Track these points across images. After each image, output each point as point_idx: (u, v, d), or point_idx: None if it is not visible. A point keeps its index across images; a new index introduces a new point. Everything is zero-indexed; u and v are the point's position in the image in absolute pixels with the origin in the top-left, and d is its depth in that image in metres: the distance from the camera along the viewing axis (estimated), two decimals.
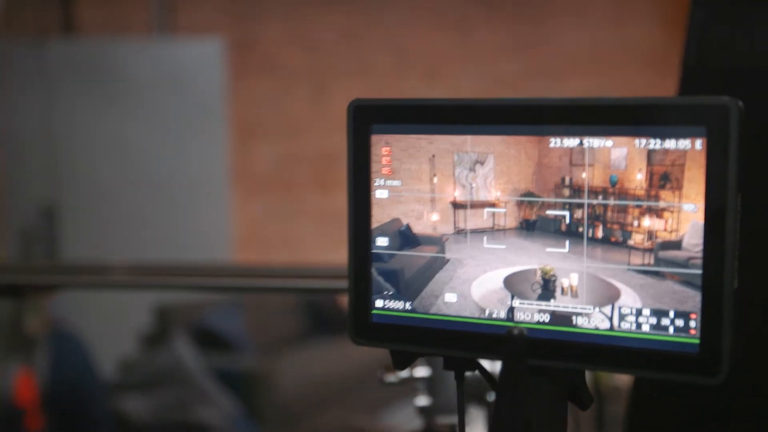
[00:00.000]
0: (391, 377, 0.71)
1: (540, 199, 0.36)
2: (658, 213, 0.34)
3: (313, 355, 3.06)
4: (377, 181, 0.40)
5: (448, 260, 0.38)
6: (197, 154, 3.32)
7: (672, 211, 0.33)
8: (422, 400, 0.76)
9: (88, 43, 3.47)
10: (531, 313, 0.36)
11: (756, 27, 0.67)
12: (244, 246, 3.70)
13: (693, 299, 0.33)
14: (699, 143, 0.32)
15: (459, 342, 0.38)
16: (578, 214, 0.35)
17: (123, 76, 3.23)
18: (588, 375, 0.40)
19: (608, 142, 0.34)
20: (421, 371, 0.73)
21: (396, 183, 0.39)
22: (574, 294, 0.35)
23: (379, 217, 0.40)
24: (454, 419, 0.64)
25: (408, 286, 0.39)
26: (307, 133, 4.02)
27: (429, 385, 0.76)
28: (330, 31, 4.00)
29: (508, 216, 0.37)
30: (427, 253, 0.39)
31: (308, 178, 4.05)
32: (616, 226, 0.35)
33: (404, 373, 0.71)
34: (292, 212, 4.00)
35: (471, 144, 0.38)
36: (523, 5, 4.16)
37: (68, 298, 2.57)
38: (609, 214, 0.35)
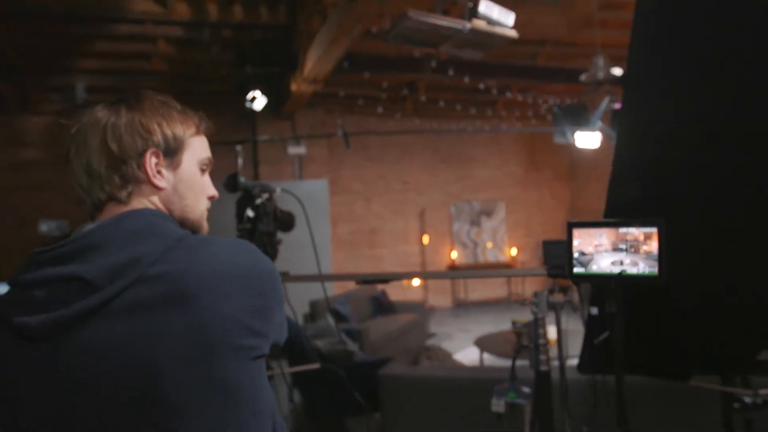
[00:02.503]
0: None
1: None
2: (646, 244, 1.30)
3: (379, 321, 6.19)
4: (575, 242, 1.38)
5: None
6: (319, 229, 7.81)
7: (649, 243, 1.28)
8: None
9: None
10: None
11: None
12: (336, 269, 8.19)
13: (656, 262, 1.28)
14: (656, 228, 1.30)
15: None
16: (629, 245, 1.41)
17: (284, 199, 7.79)
18: None
19: (637, 231, 1.36)
20: None
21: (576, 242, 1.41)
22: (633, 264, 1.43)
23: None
24: None
25: None
26: (362, 221, 8.68)
27: None
28: (372, 174, 8.79)
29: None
30: None
31: (363, 241, 8.67)
32: (638, 247, 1.33)
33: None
34: (355, 256, 8.57)
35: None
36: (458, 162, 9.08)
37: None
38: (636, 244, 1.33)
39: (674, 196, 1.38)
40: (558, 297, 1.40)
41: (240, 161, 6.34)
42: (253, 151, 7.98)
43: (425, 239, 9.07)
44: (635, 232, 1.20)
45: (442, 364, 2.87)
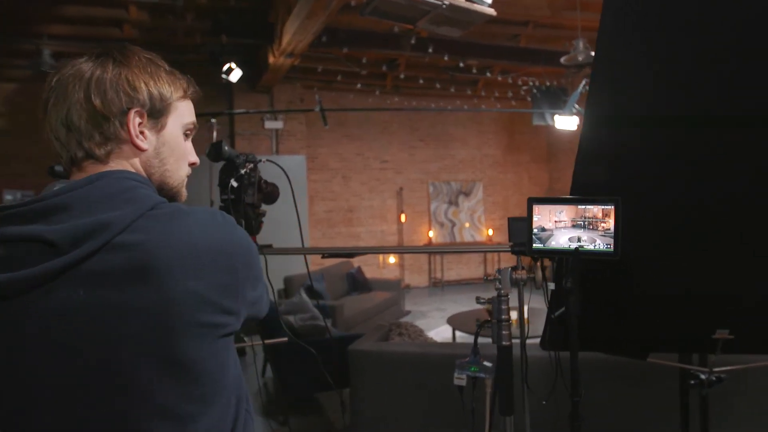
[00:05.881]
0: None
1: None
2: (604, 221, 1.32)
3: (354, 299, 6.35)
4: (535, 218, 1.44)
5: None
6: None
7: (607, 221, 1.31)
8: None
9: None
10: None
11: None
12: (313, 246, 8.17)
13: (612, 239, 1.32)
14: (613, 206, 1.31)
15: None
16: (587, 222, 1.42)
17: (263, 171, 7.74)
18: None
19: (595, 208, 1.39)
20: None
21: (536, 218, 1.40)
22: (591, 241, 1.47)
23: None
24: None
25: None
26: (340, 198, 8.64)
27: None
28: (350, 151, 8.72)
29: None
30: None
31: (340, 219, 8.64)
32: (596, 224, 1.37)
33: None
34: (333, 234, 8.55)
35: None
36: (437, 141, 9.06)
37: None
38: (594, 221, 1.37)
39: (637, 178, 1.39)
40: (521, 274, 1.41)
41: (215, 134, 6.22)
42: (229, 124, 7.84)
43: (403, 218, 9.09)
44: (594, 210, 1.21)
45: (413, 340, 2.89)
